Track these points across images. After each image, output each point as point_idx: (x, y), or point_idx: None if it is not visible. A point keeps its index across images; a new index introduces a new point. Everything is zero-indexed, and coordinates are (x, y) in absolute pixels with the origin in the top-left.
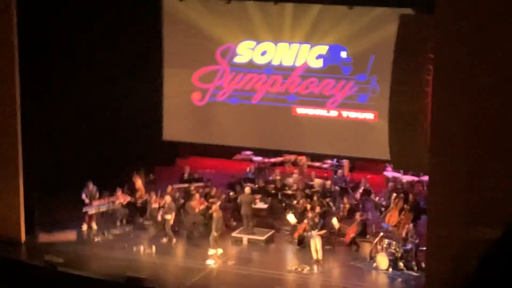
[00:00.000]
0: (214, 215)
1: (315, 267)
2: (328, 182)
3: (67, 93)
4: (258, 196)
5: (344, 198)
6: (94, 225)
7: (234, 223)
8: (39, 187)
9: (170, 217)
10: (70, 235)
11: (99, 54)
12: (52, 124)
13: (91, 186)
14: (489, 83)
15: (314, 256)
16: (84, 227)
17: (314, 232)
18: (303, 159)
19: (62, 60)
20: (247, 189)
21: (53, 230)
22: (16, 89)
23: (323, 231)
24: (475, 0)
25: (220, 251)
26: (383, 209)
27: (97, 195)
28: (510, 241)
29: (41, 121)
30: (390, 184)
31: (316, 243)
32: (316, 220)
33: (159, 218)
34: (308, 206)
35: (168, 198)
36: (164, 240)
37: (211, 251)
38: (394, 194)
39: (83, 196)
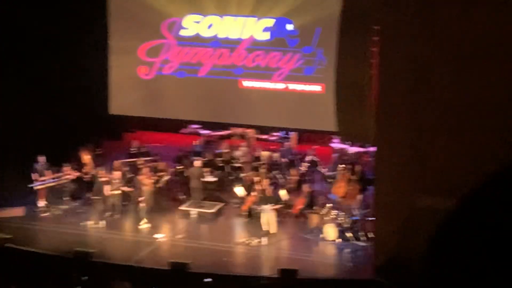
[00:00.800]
0: (145, 188)
1: (263, 239)
2: (276, 155)
3: (9, 66)
4: (207, 169)
5: (292, 170)
6: (44, 201)
7: (183, 197)
8: None
9: (119, 192)
10: (17, 211)
11: (42, 26)
12: None
13: (42, 161)
14: (432, 53)
15: (264, 228)
16: (40, 203)
17: (267, 206)
18: (250, 132)
19: (3, 32)
20: (197, 163)
21: (1, 206)
22: None
23: (278, 206)
24: None
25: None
26: (330, 180)
27: (47, 171)
28: (462, 213)
29: None
30: (334, 155)
31: (268, 217)
32: (268, 193)
33: (106, 193)
34: (256, 179)
35: (117, 174)
36: (108, 214)
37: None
38: (341, 166)
39: (33, 172)
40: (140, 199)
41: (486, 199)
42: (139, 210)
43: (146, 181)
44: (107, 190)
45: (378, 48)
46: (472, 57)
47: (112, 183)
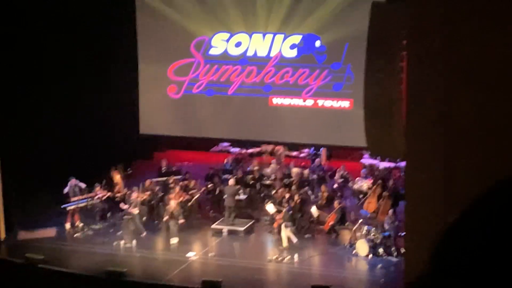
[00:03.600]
0: (172, 204)
1: (295, 256)
2: (306, 171)
3: (42, 90)
4: (238, 187)
5: (322, 186)
6: (78, 222)
7: (214, 215)
8: (17, 185)
9: (138, 211)
10: (49, 232)
11: (74, 49)
12: (28, 122)
13: (73, 182)
14: (462, 69)
15: (284, 244)
16: (68, 225)
17: (287, 223)
18: (280, 149)
19: (35, 57)
20: (232, 181)
21: (33, 228)
22: None
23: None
24: None
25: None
26: (361, 196)
27: (78, 191)
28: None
29: (17, 120)
30: (363, 170)
31: (286, 232)
32: (295, 211)
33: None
34: (287, 196)
35: (134, 194)
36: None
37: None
38: (371, 181)
39: (64, 193)
40: (167, 218)
41: None
42: (171, 227)
43: (177, 199)
44: (128, 210)
45: (407, 63)
46: (505, 76)
47: (131, 204)
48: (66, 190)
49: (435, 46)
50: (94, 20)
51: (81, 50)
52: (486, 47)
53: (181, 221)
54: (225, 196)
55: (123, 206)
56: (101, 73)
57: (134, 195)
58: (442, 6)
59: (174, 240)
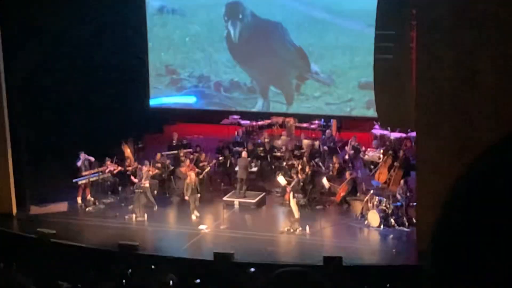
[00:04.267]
0: (193, 177)
1: (307, 228)
2: (317, 143)
3: (51, 66)
4: (250, 159)
5: (333, 158)
6: (89, 196)
7: (225, 187)
8: (28, 160)
9: (148, 184)
10: (61, 207)
11: (82, 27)
12: (37, 97)
13: (83, 157)
14: (471, 38)
15: (296, 215)
16: (79, 200)
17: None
18: (290, 121)
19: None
20: (244, 153)
21: (44, 202)
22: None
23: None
24: None
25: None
26: (372, 166)
27: (90, 165)
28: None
29: (26, 95)
30: (374, 142)
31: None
32: (306, 182)
33: (140, 185)
34: (298, 167)
35: (145, 168)
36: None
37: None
38: (382, 151)
39: (75, 167)
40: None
41: None
42: (191, 203)
43: (188, 172)
44: (139, 184)
45: (416, 32)
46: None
47: (141, 177)
48: (78, 163)
49: (444, 15)
50: None
51: (90, 26)
52: (501, 17)
53: (198, 195)
54: (236, 168)
55: (134, 179)
56: (110, 46)
57: (145, 168)
58: None
59: (196, 214)
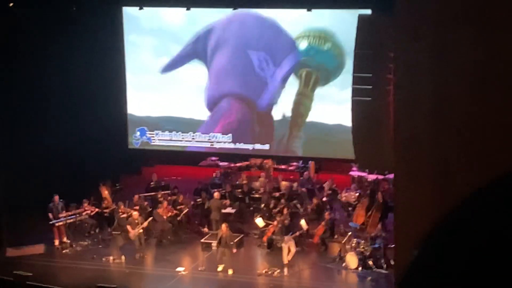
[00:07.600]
0: (221, 233)
1: (285, 270)
2: (295, 184)
3: (29, 105)
4: (227, 201)
5: (313, 199)
6: (65, 239)
7: (205, 230)
8: (5, 202)
9: (142, 230)
10: (38, 249)
11: (61, 64)
12: (16, 138)
13: (57, 200)
14: (449, 80)
15: (285, 261)
16: (56, 242)
17: (287, 237)
18: (268, 162)
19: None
20: (216, 194)
21: (21, 244)
22: None
23: (296, 233)
24: None
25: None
26: (350, 208)
27: (63, 208)
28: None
29: (3, 136)
30: (353, 185)
31: (289, 247)
32: (286, 222)
33: (132, 237)
34: (276, 209)
35: (136, 214)
36: (137, 255)
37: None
38: (359, 193)
39: (49, 210)
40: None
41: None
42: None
43: (166, 214)
44: (131, 232)
45: (394, 75)
46: (492, 80)
47: (132, 223)
48: (50, 205)
49: (421, 57)
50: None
51: (70, 63)
52: (476, 56)
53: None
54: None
55: (131, 230)
56: (89, 86)
57: (136, 214)
58: (427, 18)
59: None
